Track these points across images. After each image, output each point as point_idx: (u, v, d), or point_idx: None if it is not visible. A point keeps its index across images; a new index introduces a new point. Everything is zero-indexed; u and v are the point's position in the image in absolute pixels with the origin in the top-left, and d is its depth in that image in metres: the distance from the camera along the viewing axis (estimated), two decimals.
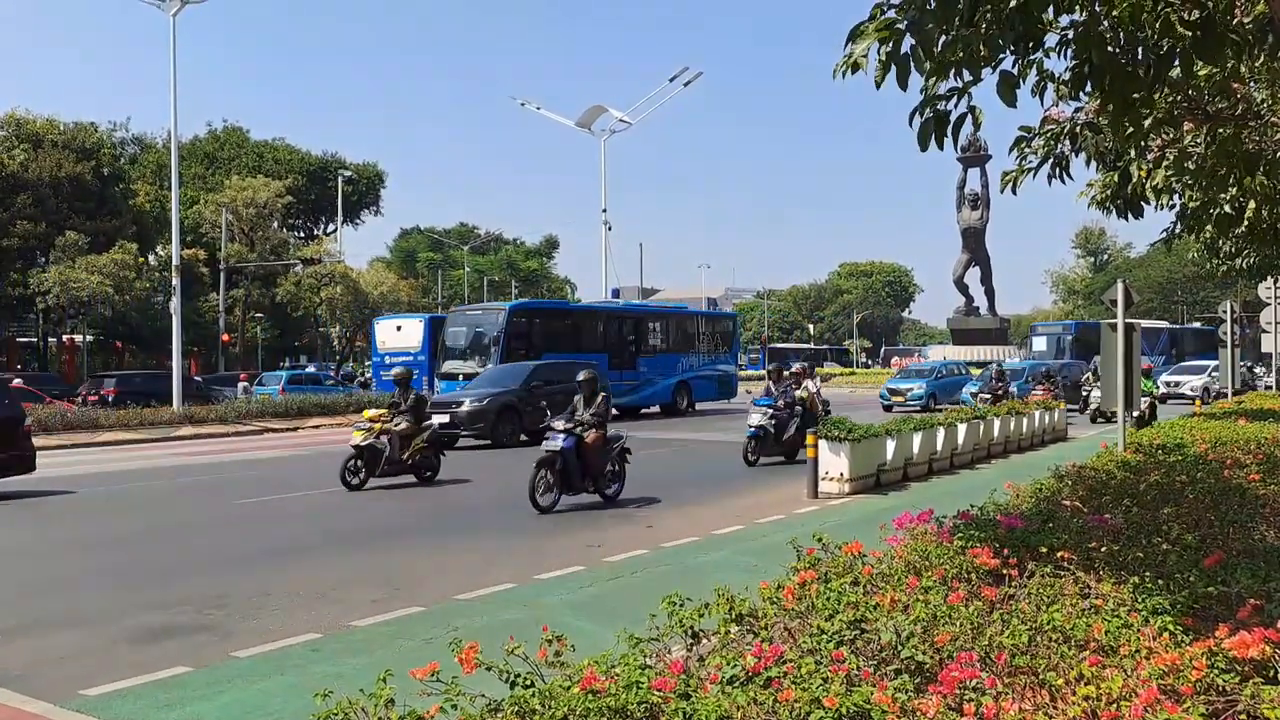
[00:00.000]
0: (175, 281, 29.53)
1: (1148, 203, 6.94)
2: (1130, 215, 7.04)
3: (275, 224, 55.72)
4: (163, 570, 8.80)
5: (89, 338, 49.28)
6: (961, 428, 16.67)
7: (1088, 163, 6.49)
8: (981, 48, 4.13)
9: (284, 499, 13.54)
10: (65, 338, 49.92)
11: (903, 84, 4.06)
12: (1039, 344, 46.12)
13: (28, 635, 6.79)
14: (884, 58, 3.99)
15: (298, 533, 10.84)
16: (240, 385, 38.26)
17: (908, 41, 3.97)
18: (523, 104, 46.78)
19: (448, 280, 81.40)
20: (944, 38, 4.04)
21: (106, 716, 5.10)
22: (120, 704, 5.32)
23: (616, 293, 42.88)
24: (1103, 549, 4.83)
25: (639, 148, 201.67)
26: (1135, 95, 4.37)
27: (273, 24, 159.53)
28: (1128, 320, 11.99)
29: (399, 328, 33.47)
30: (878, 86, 4.10)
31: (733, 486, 14.30)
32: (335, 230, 63.56)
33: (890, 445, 14.23)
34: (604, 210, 44.79)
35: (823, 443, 13.25)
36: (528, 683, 3.25)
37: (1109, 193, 7.49)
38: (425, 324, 32.92)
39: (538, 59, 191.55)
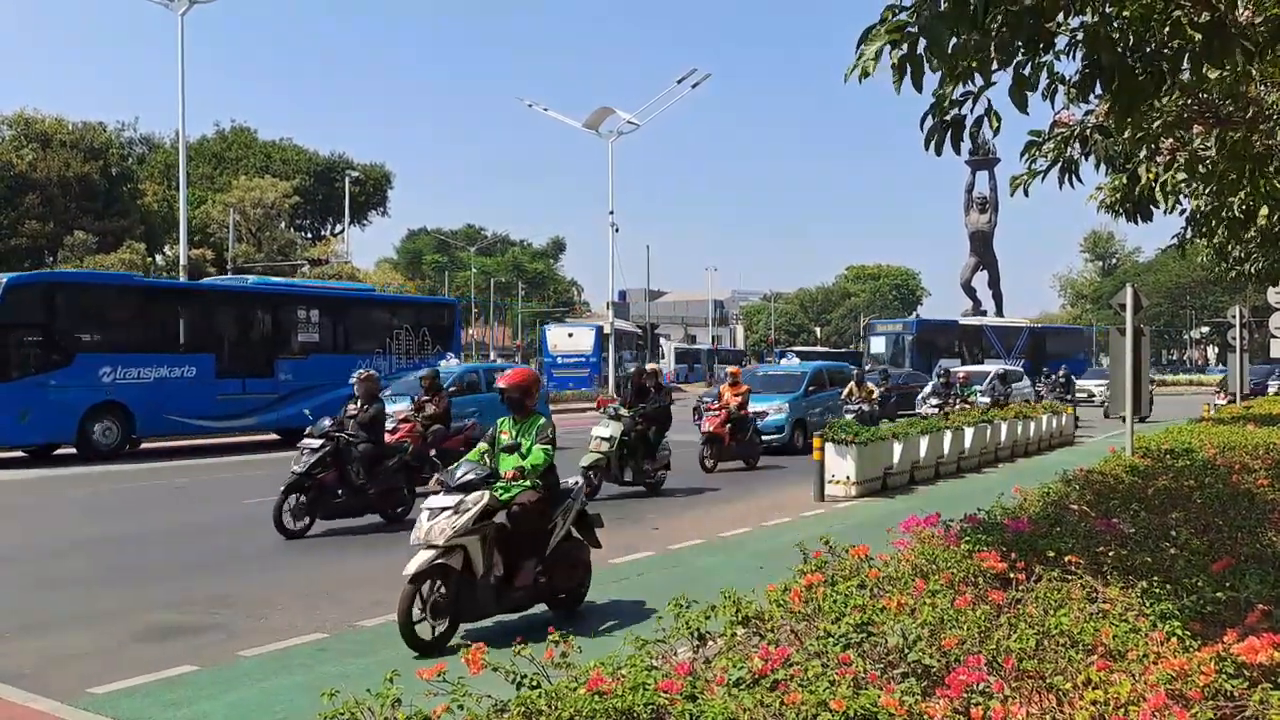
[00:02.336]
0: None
1: (1157, 206, 6.92)
2: (1139, 219, 7.03)
3: (282, 224, 55.92)
4: (170, 570, 8.81)
5: None
6: (968, 431, 16.65)
7: (1097, 166, 6.48)
8: (993, 51, 4.13)
9: None
10: None
11: (918, 86, 4.05)
12: (876, 345, 40.00)
13: (35, 634, 6.80)
14: (896, 61, 3.98)
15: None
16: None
17: (920, 44, 3.95)
18: (530, 105, 46.81)
19: (454, 282, 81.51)
20: (955, 40, 4.03)
21: (114, 714, 5.11)
22: (127, 702, 5.33)
23: (623, 294, 43.04)
24: (1110, 553, 4.81)
25: (647, 150, 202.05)
26: (1142, 98, 4.37)
27: (281, 24, 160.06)
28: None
29: (570, 334, 37.90)
30: (897, 90, 4.08)
31: (739, 489, 14.29)
32: (342, 231, 63.76)
33: (897, 448, 14.21)
34: (611, 212, 44.81)
35: (829, 446, 13.23)
36: (534, 684, 3.26)
37: (1118, 196, 7.48)
38: (596, 331, 37.45)
39: (546, 60, 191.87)
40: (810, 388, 20.72)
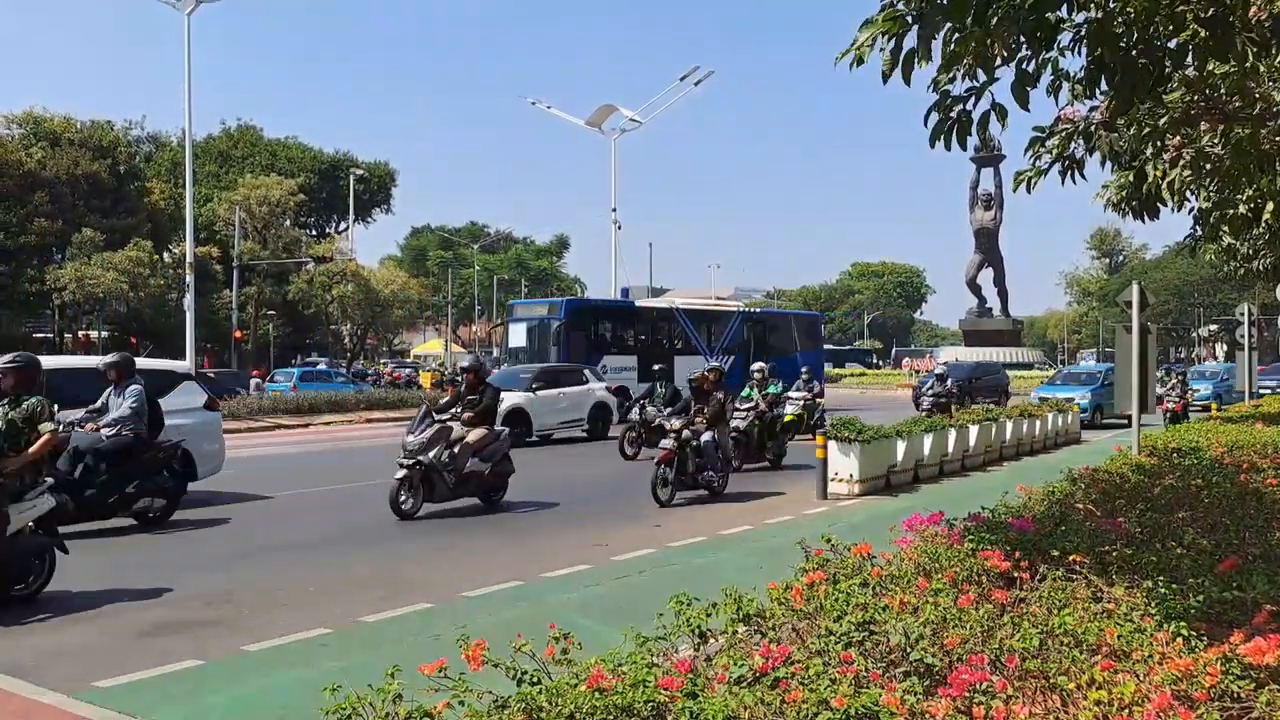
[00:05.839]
0: (189, 279, 29.70)
1: (1164, 204, 6.87)
2: (1146, 216, 6.99)
3: (288, 222, 55.98)
4: (172, 564, 8.82)
5: (104, 334, 49.54)
6: (973, 429, 16.61)
7: (1102, 163, 6.44)
8: (996, 46, 4.10)
9: (292, 495, 13.57)
10: (80, 334, 50.21)
11: (907, 79, 4.02)
12: (516, 334, 30.30)
13: (39, 628, 6.81)
14: (888, 52, 3.95)
15: (307, 528, 10.85)
16: (253, 381, 38.46)
17: (912, 36, 3.92)
18: (533, 103, 46.85)
19: (458, 279, 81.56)
20: (956, 34, 4.01)
21: (118, 708, 5.11)
22: (131, 696, 5.33)
23: (626, 291, 42.90)
24: (1116, 553, 4.79)
25: (650, 147, 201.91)
26: (1143, 93, 4.33)
27: (285, 22, 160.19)
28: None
29: None
30: (884, 80, 4.06)
31: (741, 488, 14.27)
32: (347, 228, 63.86)
33: (900, 447, 14.17)
34: (614, 210, 44.84)
35: (832, 444, 13.20)
36: (535, 680, 3.25)
37: (1124, 193, 7.44)
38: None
39: (548, 58, 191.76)
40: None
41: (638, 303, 34.95)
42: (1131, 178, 6.81)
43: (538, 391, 21.34)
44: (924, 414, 20.73)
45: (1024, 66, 4.28)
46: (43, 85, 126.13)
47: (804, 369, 22.80)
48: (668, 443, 12.28)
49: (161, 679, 5.65)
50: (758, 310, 38.90)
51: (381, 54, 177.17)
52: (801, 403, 20.57)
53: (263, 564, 8.99)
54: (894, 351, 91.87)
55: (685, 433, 12.39)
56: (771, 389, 16.82)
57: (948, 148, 4.52)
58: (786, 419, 18.29)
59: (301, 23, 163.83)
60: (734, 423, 15.00)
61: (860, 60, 3.87)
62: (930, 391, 22.54)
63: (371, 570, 8.64)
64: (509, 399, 19.22)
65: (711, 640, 3.71)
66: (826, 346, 79.10)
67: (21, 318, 50.77)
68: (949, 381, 22.99)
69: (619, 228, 44.77)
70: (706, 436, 12.52)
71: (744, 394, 16.41)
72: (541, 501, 12.43)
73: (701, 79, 43.57)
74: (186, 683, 5.62)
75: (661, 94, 45.50)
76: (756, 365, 17.52)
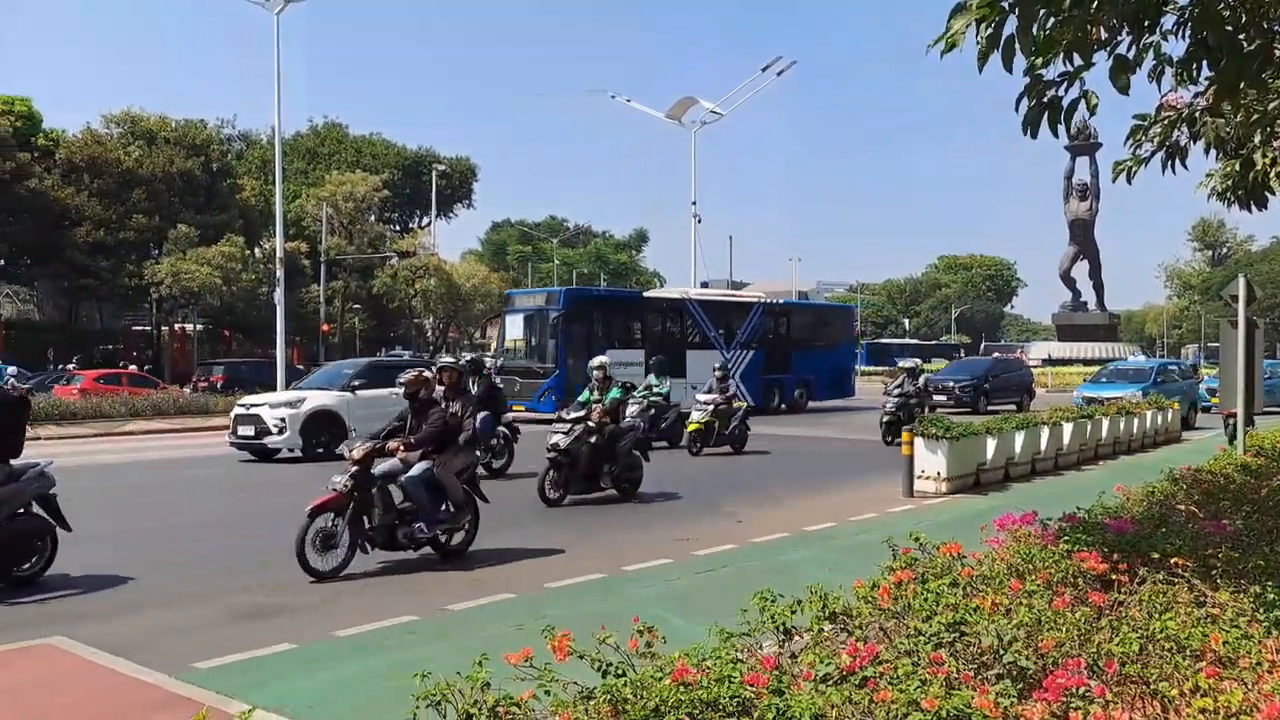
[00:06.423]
0: (279, 273, 30.55)
1: (1272, 193, 6.57)
2: (1253, 207, 6.69)
3: (372, 217, 57.29)
4: (267, 550, 9.07)
5: (199, 327, 51.37)
6: (1067, 427, 16.15)
7: (1206, 150, 6.18)
8: (1095, 30, 3.96)
9: None
10: (176, 327, 52.14)
11: (1008, 66, 3.92)
12: (513, 326, 26.95)
13: (144, 611, 7.10)
14: (984, 40, 3.85)
15: None
16: None
17: (1011, 23, 3.82)
18: (613, 97, 46.95)
19: (537, 273, 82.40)
20: (1053, 18, 3.88)
21: (214, 688, 5.29)
22: (227, 677, 5.52)
23: (705, 285, 42.76)
24: (1220, 556, 4.61)
25: (729, 139, 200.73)
26: (1250, 77, 4.14)
27: (368, 20, 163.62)
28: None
29: None
30: (980, 69, 3.96)
31: (825, 483, 14.13)
32: (429, 223, 64.99)
33: (991, 444, 13.86)
34: (694, 203, 44.69)
35: (919, 441, 12.97)
36: (620, 672, 3.25)
37: (1230, 183, 7.12)
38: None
39: (628, 52, 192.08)
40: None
41: (646, 293, 33.33)
42: (1238, 166, 6.52)
43: (358, 391, 17.26)
44: (884, 420, 18.95)
45: (1122, 52, 4.13)
46: (139, 86, 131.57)
47: (716, 366, 19.36)
48: (339, 481, 8.19)
49: (256, 661, 5.84)
50: (781, 302, 35.47)
51: (462, 51, 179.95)
52: (710, 407, 17.72)
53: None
54: (983, 346, 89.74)
55: (386, 464, 8.40)
56: (615, 393, 12.65)
57: (1035, 135, 4.40)
58: (691, 428, 17.33)
59: (384, 21, 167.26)
60: (553, 439, 11.80)
61: (953, 45, 3.77)
62: (896, 391, 19.38)
63: (455, 561, 8.78)
64: (314, 399, 17.10)
65: (796, 638, 3.68)
66: (910, 341, 76.33)
67: (122, 311, 53.00)
68: (922, 379, 19.70)
69: (699, 221, 44.60)
70: (416, 471, 8.41)
71: (580, 399, 12.80)
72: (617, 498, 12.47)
73: (784, 69, 43.11)
74: (280, 666, 5.81)
75: (742, 85, 45.11)
76: (596, 361, 13.33)
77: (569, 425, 11.86)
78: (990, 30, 3.73)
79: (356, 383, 17.46)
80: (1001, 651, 3.42)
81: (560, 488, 11.84)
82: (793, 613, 3.76)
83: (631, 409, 16.02)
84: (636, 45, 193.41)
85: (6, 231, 39.78)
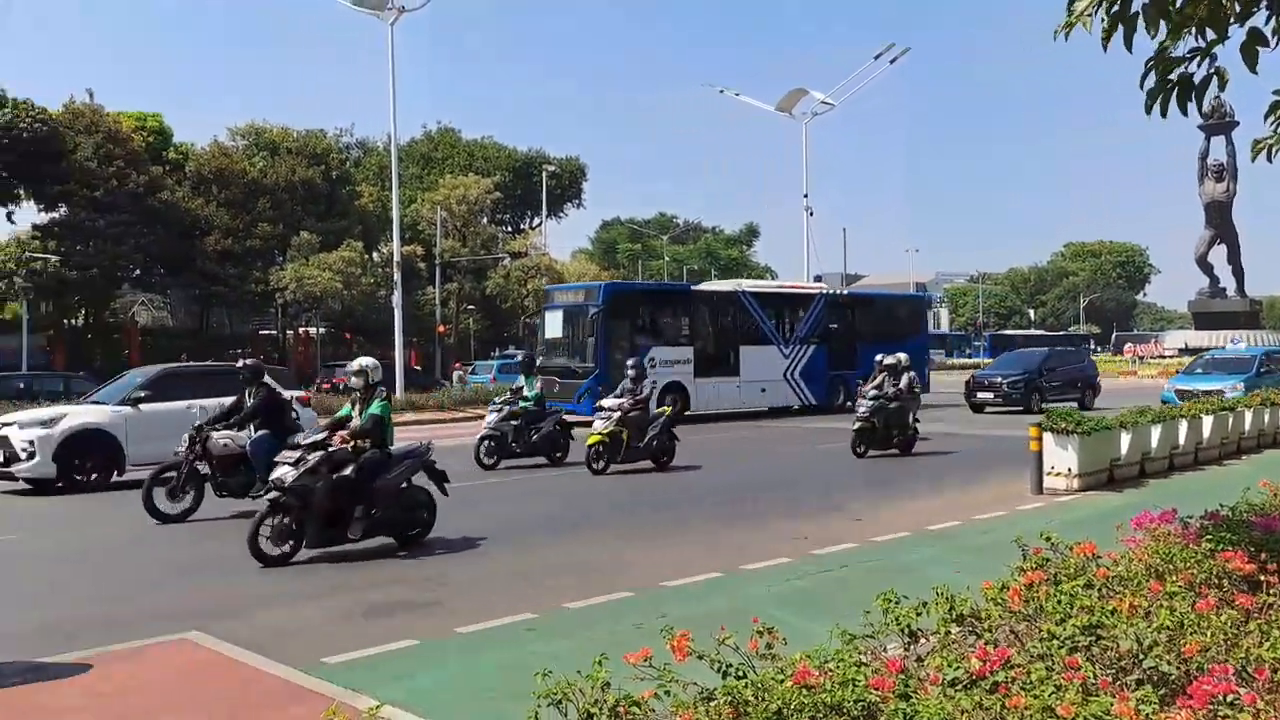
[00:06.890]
0: (396, 277, 31.55)
1: None
2: None
3: (485, 219, 58.53)
4: (389, 547, 9.35)
5: (321, 330, 53.44)
6: (1207, 420, 15.33)
7: None
8: (1231, 3, 3.75)
9: (494, 483, 14.13)
10: (300, 330, 54.33)
11: (1128, 44, 3.77)
12: (552, 323, 25.53)
13: (274, 607, 7.40)
14: (1108, 18, 3.69)
15: (511, 515, 11.30)
16: (455, 374, 40.46)
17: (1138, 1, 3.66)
18: (722, 91, 46.83)
19: (647, 270, 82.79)
20: None
21: (340, 683, 5.45)
22: (353, 673, 5.69)
23: (819, 279, 42.23)
24: None
25: (840, 129, 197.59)
26: None
27: (478, 25, 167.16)
28: None
29: None
30: (1104, 46, 3.81)
31: (948, 480, 13.78)
32: (540, 224, 66.04)
33: (1125, 439, 13.27)
34: (805, 195, 44.18)
35: (1048, 436, 12.49)
36: (740, 674, 3.23)
37: None
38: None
39: (734, 44, 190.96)
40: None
41: (694, 287, 30.89)
42: None
43: (142, 405, 14.26)
44: (855, 425, 16.29)
45: (1262, 24, 3.91)
46: (262, 99, 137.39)
47: (630, 363, 16.22)
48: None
49: (382, 658, 6.02)
50: (846, 293, 33.42)
51: (570, 51, 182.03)
52: (616, 414, 14.77)
53: (470, 549, 9.40)
54: (1114, 336, 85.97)
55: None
56: (376, 407, 9.20)
57: (1164, 114, 4.19)
58: (591, 440, 14.49)
59: (494, 24, 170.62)
60: (278, 471, 8.83)
61: (1078, 24, 3.63)
62: (872, 393, 16.44)
63: (572, 557, 8.89)
64: (76, 416, 14.10)
65: (922, 640, 3.59)
66: (1035, 332, 73.33)
67: (249, 316, 55.54)
68: (905, 378, 16.44)
69: (811, 214, 44.10)
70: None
71: (341, 414, 9.69)
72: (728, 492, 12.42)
73: (897, 57, 42.34)
74: (404, 662, 5.96)
75: (855, 74, 44.38)
76: (352, 366, 9.80)
77: (298, 453, 8.88)
78: (1117, 7, 3.58)
79: (141, 394, 14.40)
80: (1141, 656, 3.28)
81: (287, 538, 8.68)
82: (918, 614, 3.67)
83: (490, 416, 15.49)
84: (744, 40, 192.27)
85: (141, 242, 42.02)
